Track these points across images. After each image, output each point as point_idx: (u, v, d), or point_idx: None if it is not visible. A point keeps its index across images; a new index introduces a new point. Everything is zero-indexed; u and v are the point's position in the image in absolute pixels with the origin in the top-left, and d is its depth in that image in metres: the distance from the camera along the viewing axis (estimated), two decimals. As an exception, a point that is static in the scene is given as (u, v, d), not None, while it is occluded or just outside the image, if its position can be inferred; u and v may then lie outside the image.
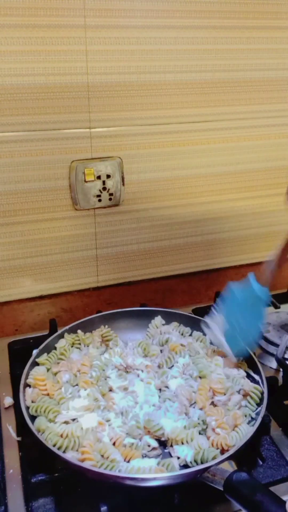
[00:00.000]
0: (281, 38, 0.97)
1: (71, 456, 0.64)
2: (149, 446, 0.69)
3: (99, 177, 0.95)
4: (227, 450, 0.65)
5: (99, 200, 0.97)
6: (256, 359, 0.80)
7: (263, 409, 0.70)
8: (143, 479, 0.60)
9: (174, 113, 0.95)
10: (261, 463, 0.70)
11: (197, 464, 0.65)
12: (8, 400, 0.80)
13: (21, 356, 0.88)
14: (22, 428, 0.74)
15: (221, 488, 0.59)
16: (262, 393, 0.74)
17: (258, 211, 1.11)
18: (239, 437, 0.67)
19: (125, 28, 0.86)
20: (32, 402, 0.73)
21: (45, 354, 0.82)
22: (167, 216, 1.04)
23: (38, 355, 0.81)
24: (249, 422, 0.71)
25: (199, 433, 0.70)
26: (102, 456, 0.65)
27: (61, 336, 0.86)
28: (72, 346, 0.86)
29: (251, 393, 0.75)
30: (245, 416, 0.72)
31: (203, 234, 1.08)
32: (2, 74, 0.83)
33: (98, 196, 0.96)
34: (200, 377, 0.80)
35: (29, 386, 0.76)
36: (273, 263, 0.79)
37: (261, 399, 0.74)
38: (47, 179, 0.92)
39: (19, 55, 0.83)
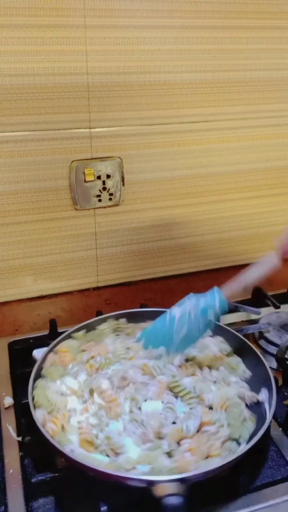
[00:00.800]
0: (281, 38, 0.97)
1: (40, 414, 0.68)
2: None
3: (99, 177, 0.95)
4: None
5: (99, 200, 0.97)
6: (273, 385, 0.74)
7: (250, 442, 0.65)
8: (89, 468, 0.60)
9: (174, 113, 0.95)
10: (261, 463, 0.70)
11: None
12: (8, 400, 0.80)
13: (21, 356, 0.88)
14: (22, 428, 0.74)
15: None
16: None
17: (258, 211, 1.11)
18: (205, 467, 0.62)
19: (125, 28, 0.86)
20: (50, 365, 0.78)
21: (84, 330, 0.84)
22: (167, 216, 1.04)
23: (77, 330, 0.84)
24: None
25: (164, 454, 0.66)
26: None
27: (105, 320, 0.88)
28: (113, 333, 0.87)
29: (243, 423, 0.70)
30: (230, 450, 0.66)
31: (203, 234, 1.08)
32: (2, 74, 0.83)
33: (98, 196, 0.96)
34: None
35: (55, 353, 0.80)
36: (243, 284, 0.78)
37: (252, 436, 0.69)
38: (47, 179, 0.92)
39: (19, 55, 0.83)
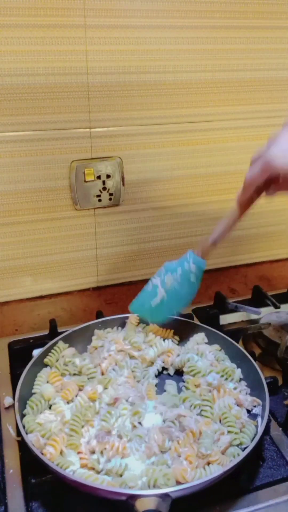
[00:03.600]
0: (281, 38, 0.97)
1: (33, 436, 0.66)
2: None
3: (99, 177, 0.95)
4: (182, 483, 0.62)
5: (99, 200, 0.97)
6: (265, 386, 0.75)
7: (254, 442, 0.66)
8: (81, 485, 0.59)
9: (174, 113, 0.95)
10: (261, 463, 0.70)
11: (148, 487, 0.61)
12: (8, 400, 0.79)
13: (21, 356, 0.88)
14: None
15: None
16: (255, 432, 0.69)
17: (258, 211, 1.10)
18: (204, 474, 0.62)
19: (125, 28, 0.86)
20: None
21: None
22: (167, 216, 1.04)
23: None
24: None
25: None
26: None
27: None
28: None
29: (242, 429, 0.70)
30: (233, 456, 0.66)
31: (203, 234, 1.08)
32: (2, 74, 0.83)
33: (98, 196, 0.96)
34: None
35: None
36: (215, 238, 0.82)
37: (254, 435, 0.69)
38: (47, 179, 0.92)
39: (19, 55, 0.83)
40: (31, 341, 0.92)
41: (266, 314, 1.01)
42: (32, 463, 0.66)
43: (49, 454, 0.64)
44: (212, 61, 0.94)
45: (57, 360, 0.81)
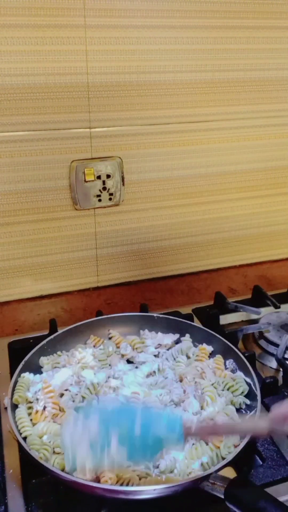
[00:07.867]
0: (281, 38, 0.97)
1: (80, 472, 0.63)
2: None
3: (99, 177, 0.95)
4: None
5: (99, 200, 0.97)
6: (248, 364, 0.78)
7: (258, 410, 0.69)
8: (136, 492, 0.59)
9: (174, 113, 0.95)
10: (261, 463, 0.70)
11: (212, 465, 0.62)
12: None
13: (21, 356, 0.87)
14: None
15: (222, 496, 0.58)
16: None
17: (258, 211, 1.11)
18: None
19: (125, 28, 0.86)
20: None
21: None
22: (167, 216, 1.04)
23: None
24: None
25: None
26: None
27: None
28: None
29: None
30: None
31: (203, 234, 1.08)
32: (2, 74, 0.83)
33: (98, 196, 0.96)
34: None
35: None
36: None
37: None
38: (47, 179, 0.92)
39: (19, 55, 0.83)
40: (31, 341, 0.92)
41: (266, 314, 1.01)
42: (32, 463, 0.66)
43: (110, 480, 0.60)
44: (212, 61, 0.94)
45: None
